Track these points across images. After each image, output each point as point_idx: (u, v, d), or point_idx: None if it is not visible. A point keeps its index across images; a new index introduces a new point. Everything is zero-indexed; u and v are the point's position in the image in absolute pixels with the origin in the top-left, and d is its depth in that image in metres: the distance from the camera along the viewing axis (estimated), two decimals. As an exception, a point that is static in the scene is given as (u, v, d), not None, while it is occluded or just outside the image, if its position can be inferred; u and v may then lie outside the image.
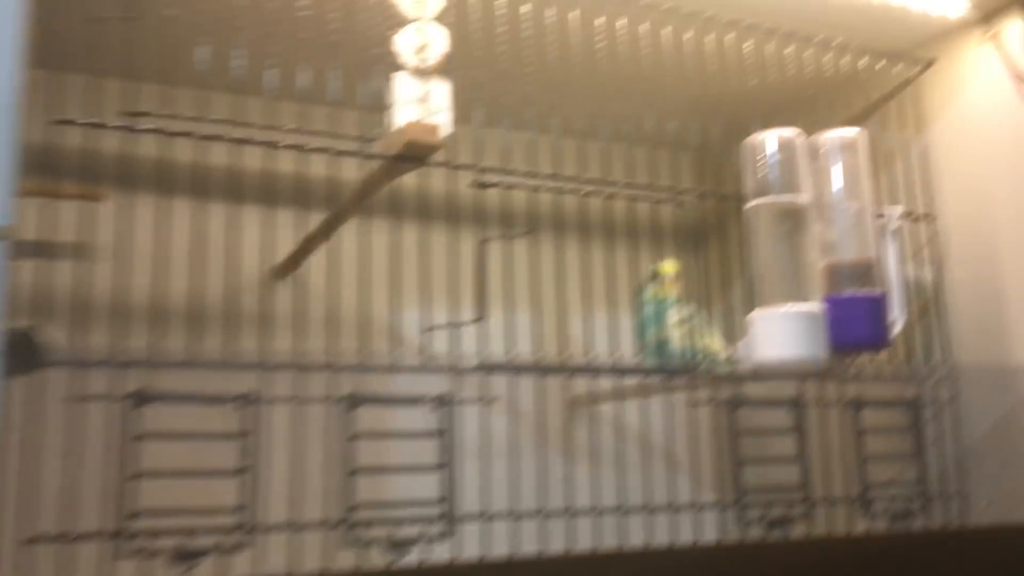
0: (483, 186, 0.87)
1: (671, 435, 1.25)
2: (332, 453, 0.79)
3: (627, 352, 1.04)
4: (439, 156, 0.87)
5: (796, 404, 0.97)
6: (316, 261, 1.14)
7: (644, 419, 1.21)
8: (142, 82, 0.88)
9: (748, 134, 0.96)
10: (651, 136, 0.97)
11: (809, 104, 1.11)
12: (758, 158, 0.95)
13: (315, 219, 1.08)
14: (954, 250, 1.10)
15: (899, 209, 1.06)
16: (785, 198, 0.94)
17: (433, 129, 0.83)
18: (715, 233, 1.33)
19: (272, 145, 0.81)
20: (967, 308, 1.07)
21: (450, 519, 0.78)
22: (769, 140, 0.95)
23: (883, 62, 1.11)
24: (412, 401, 0.80)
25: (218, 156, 1.13)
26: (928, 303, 1.08)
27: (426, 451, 0.81)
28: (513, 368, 0.86)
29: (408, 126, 0.82)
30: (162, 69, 0.88)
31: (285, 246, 1.10)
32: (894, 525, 0.99)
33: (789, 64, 1.06)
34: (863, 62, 1.10)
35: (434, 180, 0.94)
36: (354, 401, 0.78)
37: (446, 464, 0.79)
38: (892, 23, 1.09)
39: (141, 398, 0.71)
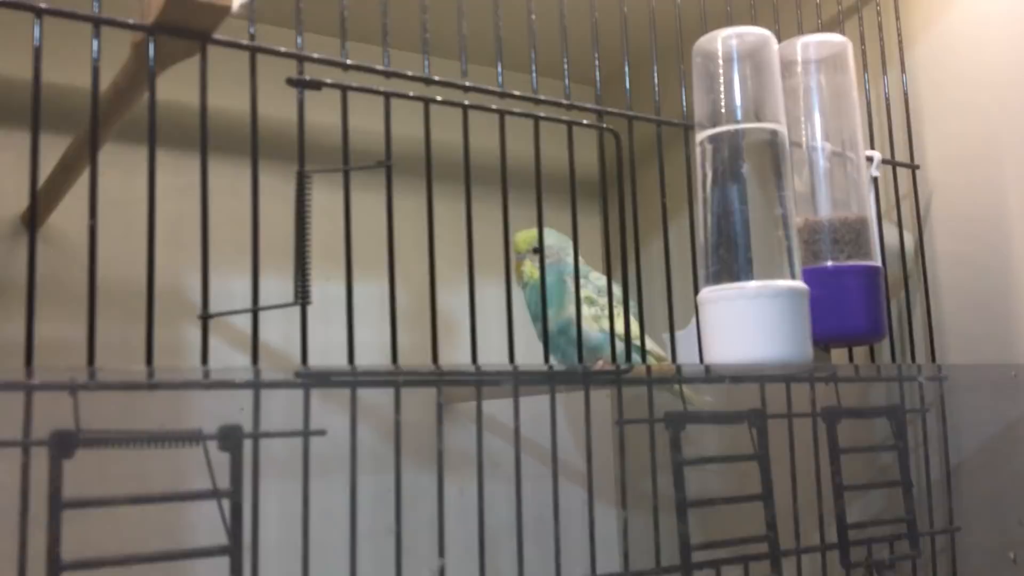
0: (305, 84, 0.54)
1: (567, 440, 0.96)
2: (36, 524, 0.45)
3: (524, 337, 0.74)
4: (229, 32, 0.54)
5: (758, 417, 0.69)
6: (71, 205, 0.79)
7: (527, 419, 0.91)
8: None
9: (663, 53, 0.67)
10: (542, 59, 0.67)
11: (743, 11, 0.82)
12: (714, 69, 0.66)
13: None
14: (940, 209, 0.84)
15: (877, 154, 0.80)
16: (755, 127, 0.65)
17: (220, -16, 0.50)
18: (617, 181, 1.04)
19: None
20: (956, 284, 0.82)
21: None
22: (731, 43, 0.66)
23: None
24: (177, 438, 0.48)
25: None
26: (907, 278, 0.83)
27: (206, 521, 0.48)
28: (355, 379, 0.55)
29: (171, -29, 0.48)
30: None
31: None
32: (876, 578, 0.74)
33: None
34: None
35: (223, 76, 0.59)
36: (65, 442, 0.44)
37: (236, 552, 0.47)
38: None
39: None
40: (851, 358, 0.79)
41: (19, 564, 0.44)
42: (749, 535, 0.68)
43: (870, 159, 0.78)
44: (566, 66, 0.67)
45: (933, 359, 0.81)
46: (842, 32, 0.78)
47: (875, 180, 0.79)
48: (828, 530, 0.73)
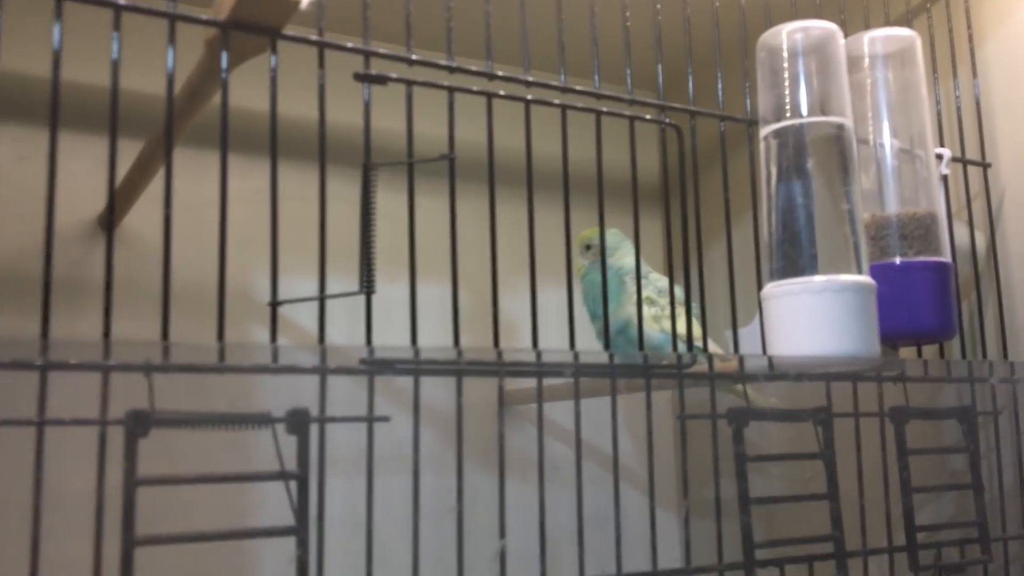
0: (371, 79, 0.55)
1: (627, 442, 0.96)
2: (110, 506, 0.47)
3: (583, 338, 0.74)
4: (298, 28, 0.56)
5: (824, 416, 0.68)
6: (145, 208, 0.82)
7: (584, 421, 0.89)
8: None
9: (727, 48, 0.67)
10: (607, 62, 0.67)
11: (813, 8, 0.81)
12: (778, 64, 0.66)
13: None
14: (1012, 208, 0.82)
15: (947, 151, 0.79)
16: (821, 121, 0.64)
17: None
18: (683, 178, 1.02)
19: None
20: (1030, 286, 0.80)
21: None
22: (796, 37, 0.65)
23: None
24: (247, 420, 0.49)
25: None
26: (978, 279, 0.81)
27: (271, 501, 0.50)
28: (418, 367, 0.55)
29: (244, -32, 0.50)
30: None
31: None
32: (947, 584, 0.72)
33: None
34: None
35: (287, 81, 0.60)
36: (140, 422, 0.46)
37: (302, 531, 0.48)
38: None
39: None
40: (920, 356, 0.77)
41: (95, 538, 0.46)
42: (814, 534, 0.67)
43: (940, 157, 0.77)
44: (628, 65, 0.67)
45: (1006, 358, 0.79)
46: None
47: (945, 178, 0.78)
48: (896, 532, 0.72)
